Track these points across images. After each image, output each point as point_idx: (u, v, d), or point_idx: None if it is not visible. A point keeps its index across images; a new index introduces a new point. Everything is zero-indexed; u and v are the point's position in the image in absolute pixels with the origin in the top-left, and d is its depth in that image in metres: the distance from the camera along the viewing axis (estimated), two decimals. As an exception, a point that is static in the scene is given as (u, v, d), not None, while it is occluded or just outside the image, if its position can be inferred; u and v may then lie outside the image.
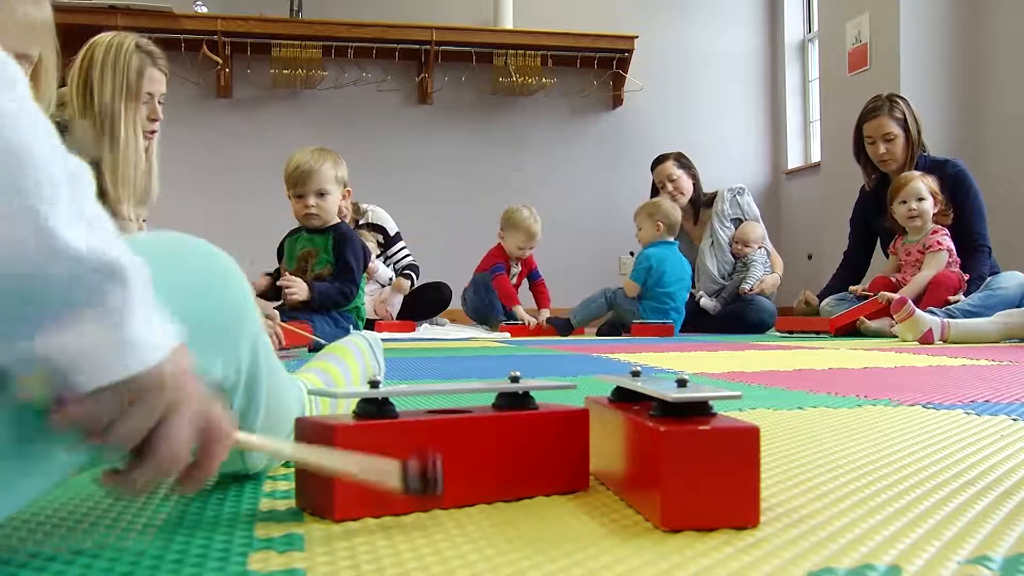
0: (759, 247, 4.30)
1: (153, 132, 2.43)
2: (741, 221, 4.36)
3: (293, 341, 2.46)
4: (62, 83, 2.25)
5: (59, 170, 0.40)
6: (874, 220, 3.82)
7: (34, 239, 0.38)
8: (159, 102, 2.43)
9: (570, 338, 3.78)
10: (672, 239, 3.99)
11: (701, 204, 4.44)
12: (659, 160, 4.46)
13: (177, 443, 0.46)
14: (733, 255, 4.32)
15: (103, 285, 0.41)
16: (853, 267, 3.95)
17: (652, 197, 4.45)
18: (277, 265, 3.01)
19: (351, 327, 2.78)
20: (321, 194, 2.77)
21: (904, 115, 3.64)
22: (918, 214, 3.48)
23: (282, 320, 2.64)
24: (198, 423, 0.48)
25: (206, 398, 0.49)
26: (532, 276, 4.35)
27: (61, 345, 0.40)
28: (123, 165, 2.31)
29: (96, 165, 2.25)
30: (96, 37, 2.41)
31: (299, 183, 2.77)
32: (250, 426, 0.64)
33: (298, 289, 2.70)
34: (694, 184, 4.42)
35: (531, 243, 4.19)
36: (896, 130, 3.62)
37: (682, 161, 4.41)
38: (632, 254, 4.08)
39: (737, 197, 4.39)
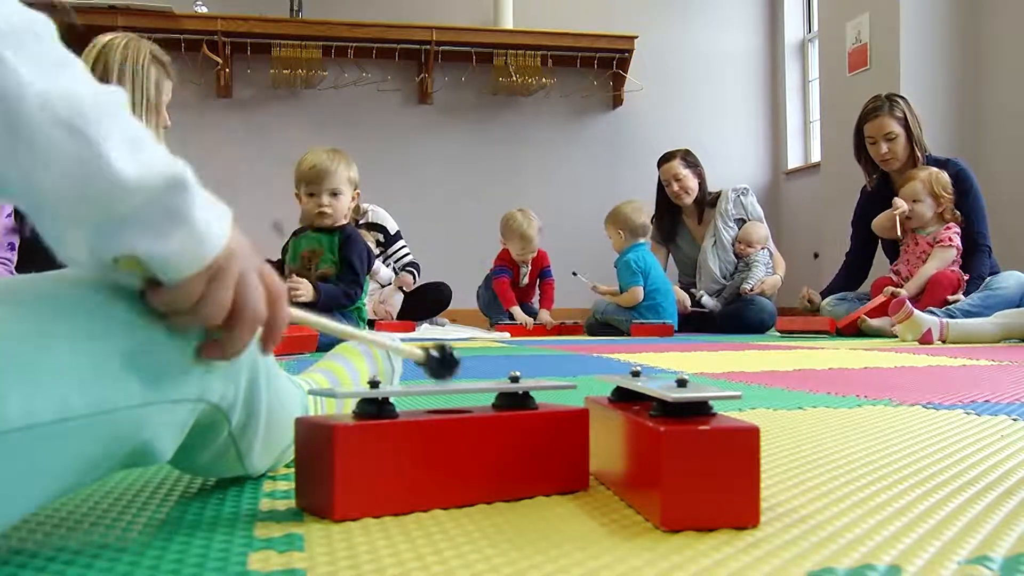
0: (762, 248, 4.29)
1: None
2: (745, 221, 4.34)
3: (297, 347, 2.46)
4: None
5: (107, 103, 0.45)
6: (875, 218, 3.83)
7: (101, 175, 0.44)
8: (167, 108, 2.45)
9: (570, 338, 3.79)
10: (642, 241, 3.99)
11: (706, 204, 4.41)
12: (665, 158, 4.39)
13: (259, 295, 0.53)
14: (736, 255, 4.31)
15: (171, 199, 0.47)
16: (855, 268, 3.95)
17: (658, 194, 4.44)
18: (281, 261, 3.01)
19: (352, 325, 2.79)
20: (334, 194, 2.80)
21: (904, 114, 3.64)
22: (911, 216, 3.52)
23: None
24: (264, 281, 0.54)
25: (261, 261, 0.55)
26: (543, 274, 4.35)
27: (146, 249, 0.47)
28: None
29: None
30: (103, 40, 2.36)
31: (313, 182, 2.80)
32: (251, 439, 0.63)
33: (304, 291, 2.71)
34: (700, 183, 4.36)
35: (529, 247, 4.19)
36: (897, 129, 3.63)
37: (688, 159, 4.35)
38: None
39: (741, 197, 4.36)
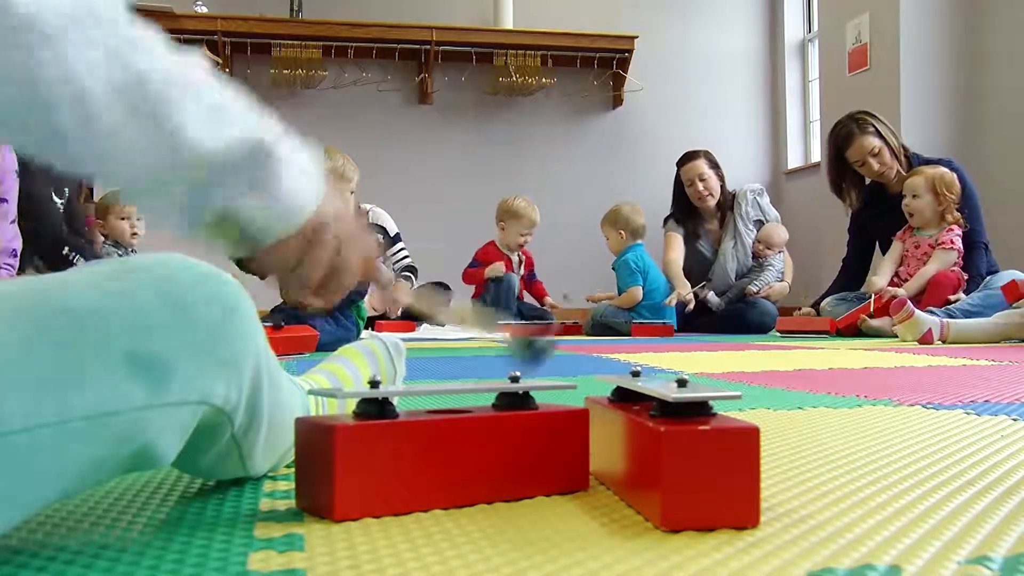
0: (779, 251, 4.26)
1: None
2: (762, 222, 4.31)
3: (297, 347, 2.46)
4: None
5: (181, 78, 0.48)
6: (871, 225, 3.83)
7: (180, 153, 0.48)
8: None
9: (570, 338, 3.79)
10: (640, 241, 3.99)
11: (726, 206, 4.33)
12: (689, 157, 4.30)
13: (352, 269, 0.60)
14: (753, 255, 4.28)
15: (253, 168, 0.51)
16: (853, 272, 3.94)
17: (675, 194, 4.37)
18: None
19: (352, 325, 2.79)
20: (351, 193, 2.91)
21: (875, 127, 3.66)
22: (912, 210, 3.53)
23: (282, 322, 2.64)
24: (362, 255, 0.61)
25: (368, 237, 0.62)
26: (530, 277, 4.37)
27: (238, 204, 0.51)
28: None
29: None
30: None
31: (339, 181, 2.87)
32: (254, 441, 0.63)
33: None
34: (721, 185, 4.29)
35: (532, 230, 4.22)
36: (877, 143, 3.65)
37: (711, 160, 4.29)
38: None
39: (758, 198, 4.33)
